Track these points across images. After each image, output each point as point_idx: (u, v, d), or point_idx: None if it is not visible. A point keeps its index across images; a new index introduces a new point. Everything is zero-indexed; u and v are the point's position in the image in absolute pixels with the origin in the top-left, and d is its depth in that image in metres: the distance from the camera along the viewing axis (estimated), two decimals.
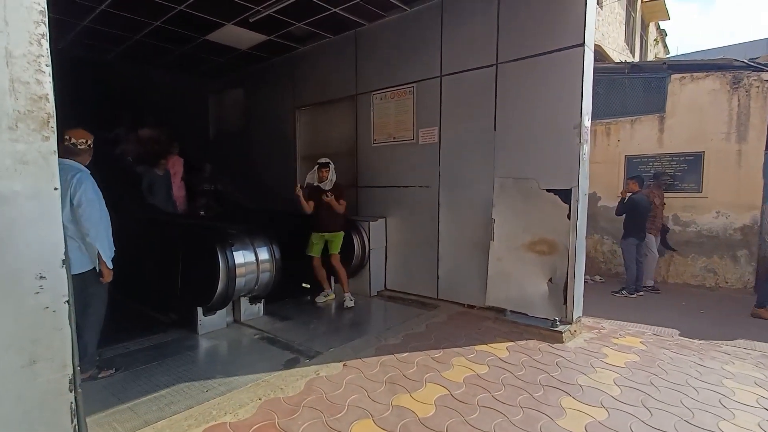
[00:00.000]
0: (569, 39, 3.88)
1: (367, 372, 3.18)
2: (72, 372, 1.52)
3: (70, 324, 1.53)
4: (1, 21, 1.34)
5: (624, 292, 6.15)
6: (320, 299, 5.03)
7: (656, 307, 5.42)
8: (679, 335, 4.28)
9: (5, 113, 1.38)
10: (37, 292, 1.48)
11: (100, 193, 2.96)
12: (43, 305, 1.49)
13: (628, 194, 6.10)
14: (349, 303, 4.85)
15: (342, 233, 4.91)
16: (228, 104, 8.20)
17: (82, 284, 2.75)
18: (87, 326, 2.89)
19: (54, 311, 1.50)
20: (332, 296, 5.10)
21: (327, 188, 4.80)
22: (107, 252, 2.87)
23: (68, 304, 1.53)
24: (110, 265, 2.90)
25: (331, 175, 4.85)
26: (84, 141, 2.91)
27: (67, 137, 2.83)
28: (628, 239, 6.09)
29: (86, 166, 2.94)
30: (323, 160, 4.90)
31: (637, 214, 6.03)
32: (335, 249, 4.86)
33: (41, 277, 1.48)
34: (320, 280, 5.02)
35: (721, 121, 6.26)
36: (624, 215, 6.11)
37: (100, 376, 3.01)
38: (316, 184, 4.88)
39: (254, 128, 7.49)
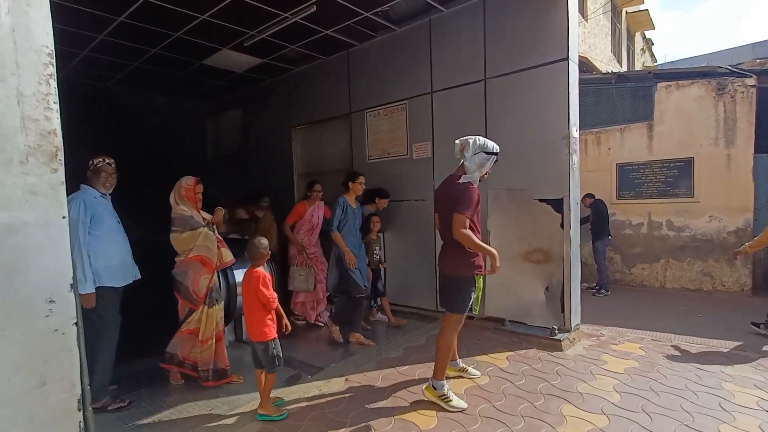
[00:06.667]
0: (554, 54, 4.01)
1: (368, 386, 3.21)
2: (81, 392, 1.57)
3: (78, 345, 1.59)
4: (12, 64, 1.44)
5: (603, 291, 6.57)
6: (461, 401, 2.92)
7: (655, 313, 5.45)
8: (678, 340, 4.31)
9: (17, 148, 1.47)
10: (47, 315, 1.55)
11: (110, 217, 2.96)
12: (53, 328, 1.56)
13: (588, 207, 6.68)
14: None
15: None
16: (225, 125, 8.34)
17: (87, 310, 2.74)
18: (92, 352, 2.81)
19: (63, 333, 1.57)
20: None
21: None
22: (80, 275, 2.71)
23: (76, 326, 1.59)
24: (83, 290, 2.73)
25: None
26: (91, 162, 2.97)
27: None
28: (604, 239, 6.58)
29: (98, 188, 2.96)
30: (497, 148, 3.04)
31: (603, 217, 6.61)
32: (478, 304, 3.14)
33: (51, 301, 1.55)
34: (454, 348, 3.25)
35: (708, 127, 6.39)
36: (587, 222, 6.63)
37: (110, 407, 2.91)
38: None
39: (251, 147, 7.61)
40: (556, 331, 4.01)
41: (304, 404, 2.93)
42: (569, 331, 4.06)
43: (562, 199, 4.06)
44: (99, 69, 6.27)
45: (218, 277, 3.48)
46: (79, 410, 1.58)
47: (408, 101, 5.17)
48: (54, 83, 1.55)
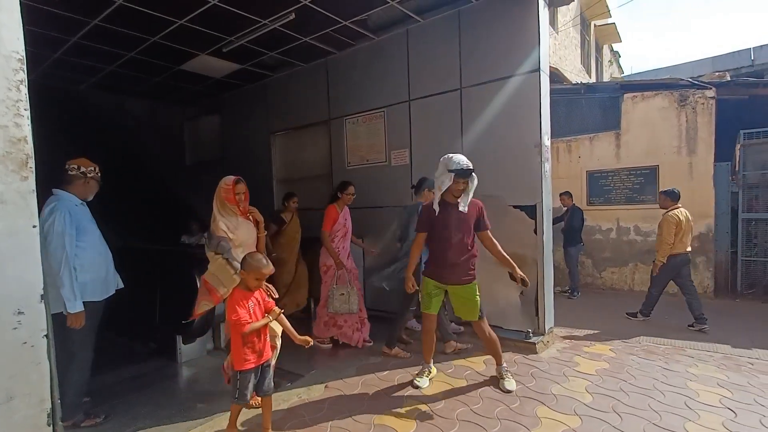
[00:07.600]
0: (526, 65, 4.14)
1: (348, 392, 3.21)
2: (51, 406, 1.52)
3: (48, 358, 1.54)
4: None
5: (576, 294, 6.77)
6: (424, 382, 3.31)
7: (624, 315, 5.64)
8: (646, 341, 4.48)
9: None
10: (15, 328, 1.49)
11: (92, 226, 2.81)
12: (21, 340, 1.51)
13: (564, 207, 6.81)
14: (510, 384, 3.24)
15: (475, 285, 3.25)
16: (204, 130, 8.22)
17: (61, 325, 2.56)
18: (65, 369, 2.65)
19: (32, 346, 1.52)
20: (435, 373, 3.52)
21: (462, 208, 3.17)
22: (68, 293, 2.52)
23: (47, 338, 1.54)
24: (73, 309, 2.55)
25: (471, 186, 3.16)
26: (75, 167, 2.75)
27: (66, 167, 2.74)
28: (577, 245, 6.74)
29: (85, 195, 2.80)
30: (463, 164, 3.02)
31: (577, 227, 6.71)
32: (471, 313, 3.25)
33: (19, 313, 1.49)
34: (427, 349, 3.45)
35: (672, 136, 6.70)
36: (560, 223, 6.77)
37: (83, 424, 2.76)
38: (438, 202, 3.18)
39: (230, 153, 7.53)
40: (531, 334, 4.11)
41: (283, 412, 2.91)
42: (543, 334, 4.17)
43: (535, 205, 4.18)
44: (72, 72, 6.10)
45: None
46: (49, 425, 1.53)
47: (386, 109, 5.24)
48: (24, 89, 1.52)
